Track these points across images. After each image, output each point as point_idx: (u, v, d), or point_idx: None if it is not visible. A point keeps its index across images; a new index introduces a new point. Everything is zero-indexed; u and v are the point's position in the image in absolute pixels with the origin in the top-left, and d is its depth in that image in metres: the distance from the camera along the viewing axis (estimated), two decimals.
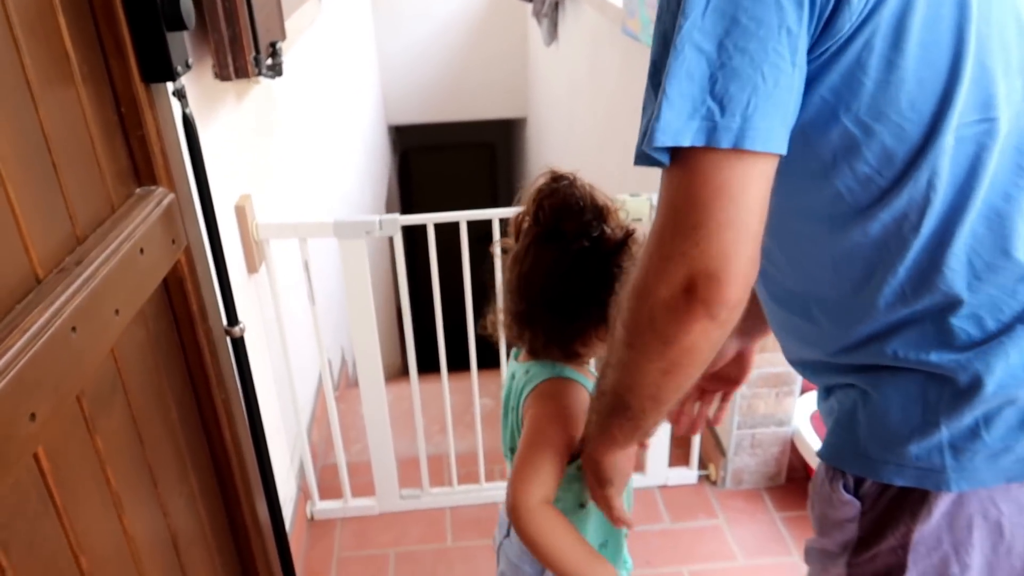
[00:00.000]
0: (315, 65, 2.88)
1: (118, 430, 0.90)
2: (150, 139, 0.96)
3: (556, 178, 1.00)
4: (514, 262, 1.03)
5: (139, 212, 0.93)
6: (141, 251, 0.90)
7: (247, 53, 1.39)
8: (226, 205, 1.56)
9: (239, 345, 1.18)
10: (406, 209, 7.03)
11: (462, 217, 1.75)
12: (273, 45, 1.56)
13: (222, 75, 1.38)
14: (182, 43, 0.96)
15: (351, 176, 3.73)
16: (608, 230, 0.98)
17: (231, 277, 1.52)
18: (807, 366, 0.90)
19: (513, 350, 1.13)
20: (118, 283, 0.85)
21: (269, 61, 1.53)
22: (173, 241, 1.00)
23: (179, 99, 0.99)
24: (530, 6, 4.57)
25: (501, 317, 1.08)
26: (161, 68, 0.93)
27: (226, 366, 1.16)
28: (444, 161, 7.25)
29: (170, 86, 0.99)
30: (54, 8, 0.82)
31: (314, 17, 2.56)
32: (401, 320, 1.84)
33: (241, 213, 1.63)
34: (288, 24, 2.04)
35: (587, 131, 3.66)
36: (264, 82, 1.92)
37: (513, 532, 1.04)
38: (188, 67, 0.98)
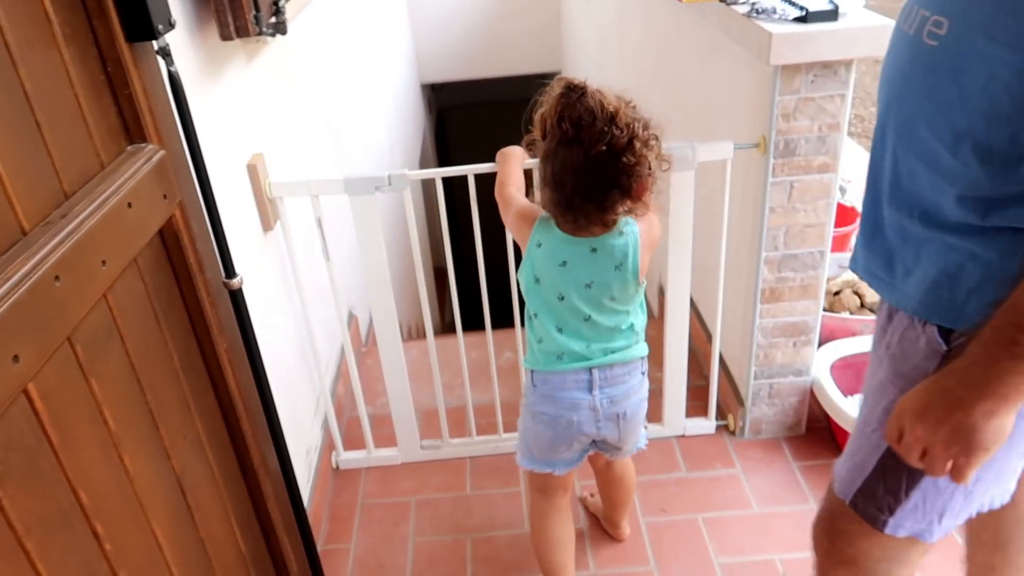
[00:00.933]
0: (337, 21, 2.89)
1: (116, 374, 0.95)
2: (137, 97, 0.99)
3: (570, 89, 1.24)
4: (544, 159, 1.29)
5: (128, 168, 0.97)
6: (129, 205, 0.95)
7: (247, 12, 1.41)
8: (237, 163, 1.60)
9: (238, 296, 1.23)
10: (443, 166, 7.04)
11: (470, 171, 1.77)
12: (276, 3, 1.58)
13: (223, 34, 1.41)
14: (164, 2, 0.99)
15: (380, 135, 3.76)
16: (617, 132, 1.20)
17: (243, 233, 1.58)
18: (915, 212, 0.93)
19: (545, 226, 1.37)
20: (104, 235, 0.89)
21: (272, 19, 1.55)
22: (165, 196, 1.04)
23: (163, 57, 1.03)
24: None
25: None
26: (143, 27, 0.96)
27: (227, 316, 1.21)
28: (481, 118, 7.22)
29: (154, 44, 1.01)
30: None
31: None
32: (440, 277, 1.88)
33: (253, 171, 1.67)
34: None
35: (615, 82, 3.61)
36: (279, 41, 1.95)
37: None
38: (171, 25, 1.01)
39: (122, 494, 0.96)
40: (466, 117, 7.22)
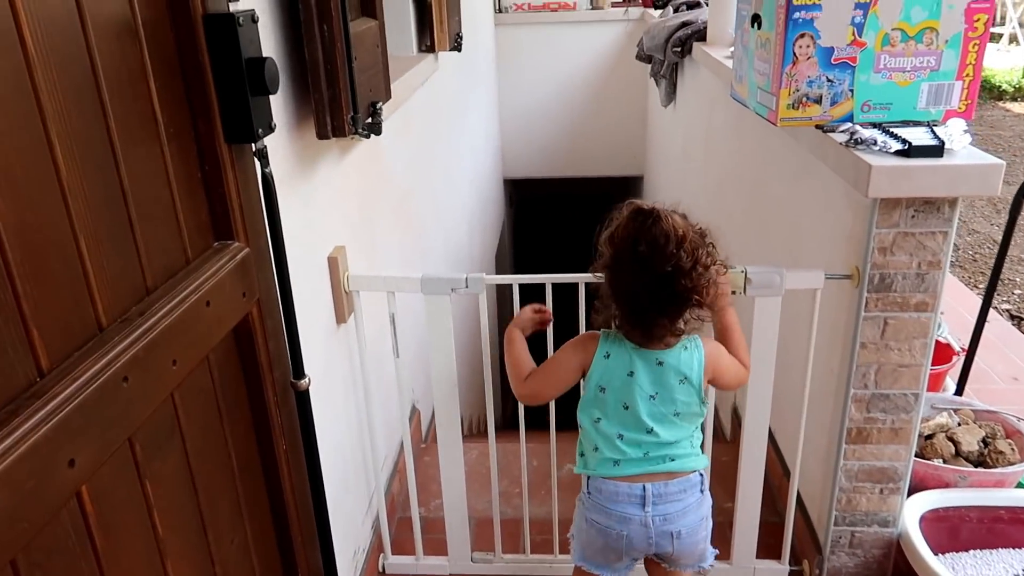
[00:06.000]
0: (428, 120, 2.98)
1: (172, 475, 0.92)
2: (230, 196, 1.00)
3: (642, 213, 1.30)
4: (614, 278, 1.34)
5: (212, 265, 0.97)
6: (207, 303, 0.94)
7: (345, 113, 1.45)
8: (319, 256, 1.62)
9: (304, 397, 1.20)
10: (518, 260, 7.11)
11: (547, 280, 1.74)
12: (374, 105, 1.62)
13: (320, 134, 1.44)
14: (266, 107, 1.01)
15: (462, 229, 3.81)
16: (683, 255, 1.27)
17: (316, 325, 1.57)
18: None
19: (613, 338, 1.43)
20: (179, 334, 0.88)
21: (368, 120, 1.59)
22: (244, 294, 1.03)
23: (259, 159, 1.04)
24: (649, 67, 4.57)
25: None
26: (244, 130, 0.98)
27: (290, 417, 1.18)
28: (558, 215, 7.30)
29: (252, 147, 1.03)
30: (146, 72, 0.88)
31: (428, 76, 2.65)
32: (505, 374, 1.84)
33: (333, 264, 1.68)
34: (399, 82, 2.12)
35: (697, 193, 3.59)
36: (371, 138, 2.00)
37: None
38: (271, 129, 1.02)
39: None
40: (543, 211, 7.31)
